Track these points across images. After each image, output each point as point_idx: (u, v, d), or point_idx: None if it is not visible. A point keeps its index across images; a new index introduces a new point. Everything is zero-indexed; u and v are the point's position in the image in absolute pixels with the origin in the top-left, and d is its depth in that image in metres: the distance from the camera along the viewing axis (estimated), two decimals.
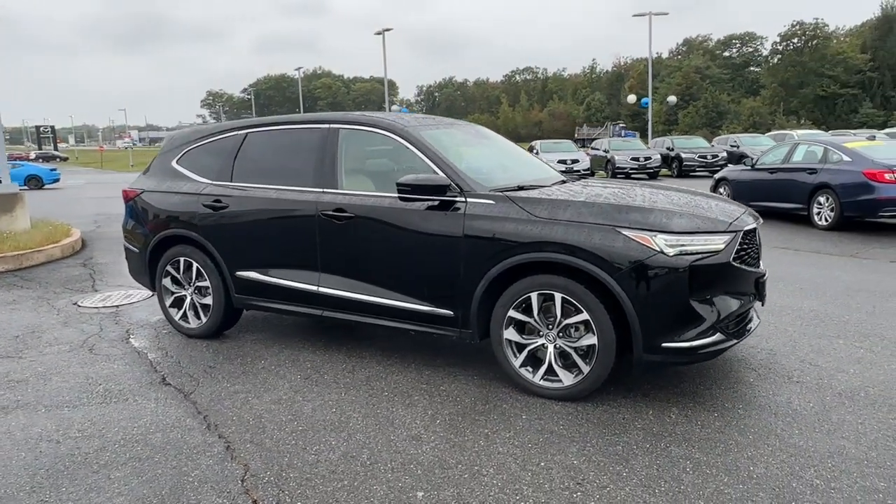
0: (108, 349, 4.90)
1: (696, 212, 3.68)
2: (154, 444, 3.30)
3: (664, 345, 3.45)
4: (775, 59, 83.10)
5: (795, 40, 78.48)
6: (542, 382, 3.75)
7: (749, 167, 11.91)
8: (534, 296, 3.70)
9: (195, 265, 4.97)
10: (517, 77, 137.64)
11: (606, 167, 25.22)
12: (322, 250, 4.39)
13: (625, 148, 25.68)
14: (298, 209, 4.45)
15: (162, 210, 5.12)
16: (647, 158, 24.32)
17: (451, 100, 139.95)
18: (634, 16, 32.50)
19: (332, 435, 3.37)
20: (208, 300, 4.98)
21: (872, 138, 12.16)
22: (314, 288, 4.45)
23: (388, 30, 31.02)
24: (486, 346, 4.07)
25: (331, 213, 4.30)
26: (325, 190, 4.39)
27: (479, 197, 3.91)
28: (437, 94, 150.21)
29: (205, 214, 4.85)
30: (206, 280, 4.94)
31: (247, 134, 4.93)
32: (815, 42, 76.12)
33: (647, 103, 34.63)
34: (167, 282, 5.17)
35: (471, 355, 4.50)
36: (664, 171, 25.16)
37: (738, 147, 25.66)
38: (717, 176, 13.14)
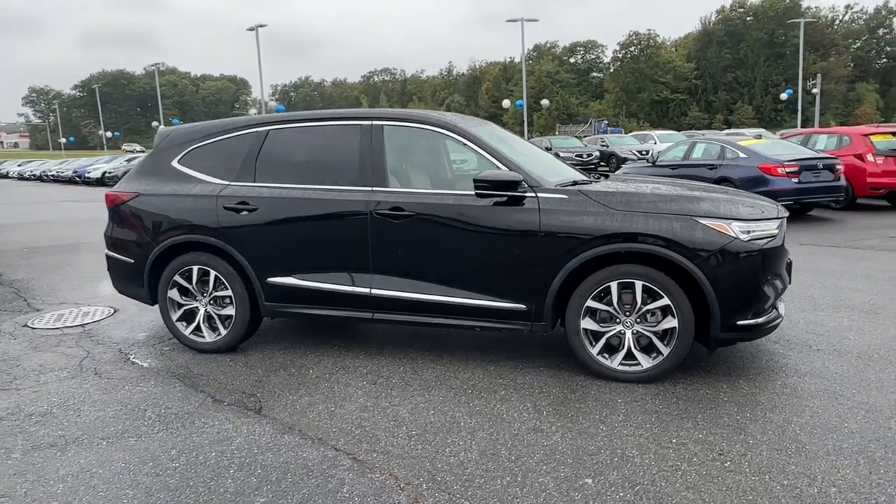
0: (117, 372, 4.38)
1: (750, 201, 4.06)
2: (273, 466, 3.05)
3: (739, 323, 3.78)
4: (615, 66, 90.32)
5: (632, 49, 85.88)
6: (620, 367, 3.94)
7: (650, 164, 12.98)
8: (614, 285, 3.87)
9: (213, 273, 4.58)
10: (376, 78, 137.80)
11: None
12: (375, 251, 4.25)
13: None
14: (347, 209, 4.28)
15: (168, 215, 4.66)
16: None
17: (308, 100, 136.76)
18: (508, 21, 34.03)
19: (452, 436, 3.31)
20: (229, 311, 4.62)
21: (759, 137, 13.76)
22: (365, 290, 4.30)
23: (261, 26, 29.76)
24: (527, 338, 4.18)
25: (386, 211, 4.18)
26: (374, 188, 4.26)
27: (550, 192, 4.01)
28: (293, 93, 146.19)
29: (227, 218, 4.49)
30: (226, 289, 4.58)
31: (268, 132, 4.62)
32: (648, 51, 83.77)
33: (521, 105, 36.30)
34: (174, 294, 4.71)
35: (520, 348, 4.59)
36: None
37: (607, 147, 27.71)
38: (618, 173, 14.17)
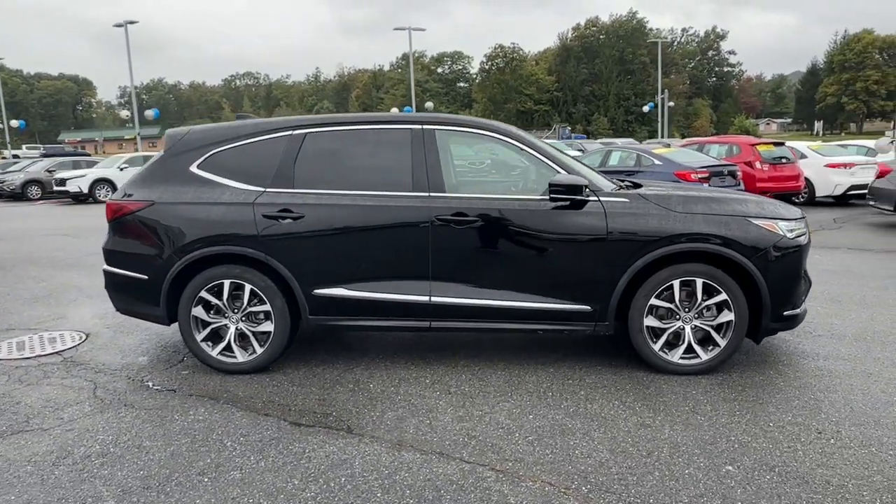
0: (148, 401, 3.91)
1: (777, 203, 4.46)
2: (419, 485, 2.90)
3: (785, 313, 4.14)
4: (482, 77, 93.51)
5: (498, 61, 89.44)
6: (680, 361, 4.16)
7: None
8: (676, 283, 4.09)
9: (248, 287, 4.24)
10: (238, 82, 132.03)
11: None
12: (435, 258, 4.16)
13: None
14: (406, 215, 4.15)
15: (193, 225, 4.24)
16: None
17: (163, 103, 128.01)
18: (395, 29, 34.12)
19: (569, 438, 3.34)
20: (266, 326, 4.29)
21: (668, 146, 14.91)
22: (424, 299, 4.19)
23: (132, 22, 27.33)
24: (566, 339, 4.31)
25: (449, 217, 4.11)
26: (432, 194, 4.17)
27: (612, 196, 4.16)
28: (144, 96, 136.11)
29: (267, 227, 4.18)
30: (264, 303, 4.25)
31: (305, 135, 4.36)
32: (513, 64, 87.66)
33: (409, 112, 36.53)
34: (199, 311, 4.30)
35: (565, 349, 4.68)
36: None
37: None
38: None
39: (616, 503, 2.74)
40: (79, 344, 5.10)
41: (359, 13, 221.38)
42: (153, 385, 4.20)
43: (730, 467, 3.02)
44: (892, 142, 13.28)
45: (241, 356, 4.33)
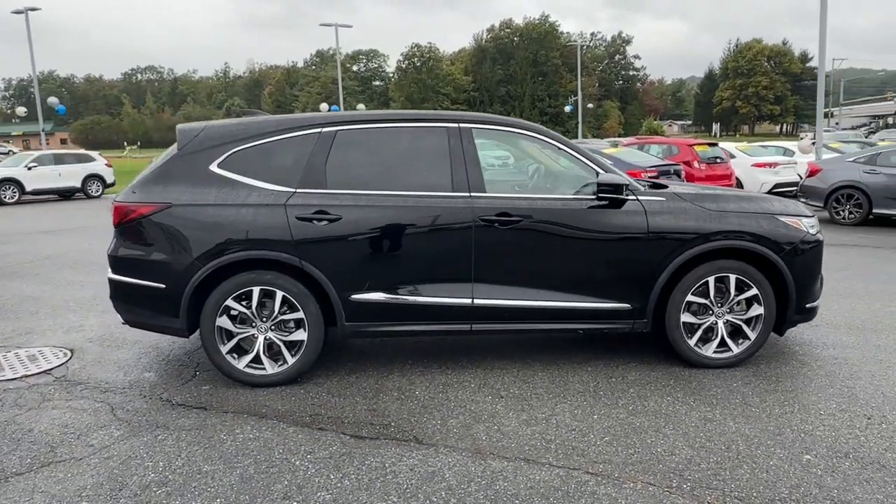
0: (182, 420, 3.60)
1: (797, 202, 4.67)
2: (524, 495, 2.81)
3: (806, 306, 4.35)
4: (399, 76, 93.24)
5: (415, 60, 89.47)
6: (713, 355, 4.28)
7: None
8: (711, 279, 4.20)
9: (279, 294, 3.98)
10: (139, 76, 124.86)
11: None
12: (478, 259, 4.07)
13: None
14: (448, 216, 4.03)
15: (218, 228, 3.93)
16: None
17: (58, 97, 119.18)
18: (322, 25, 33.26)
19: (644, 436, 3.35)
20: (299, 335, 4.05)
21: (616, 145, 15.35)
22: (467, 301, 4.09)
23: (33, 9, 24.84)
24: (589, 338, 4.38)
25: (493, 217, 4.03)
26: (473, 194, 4.08)
27: (649, 195, 4.22)
28: (31, 89, 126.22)
29: (302, 230, 3.94)
30: (297, 311, 4.01)
31: (336, 132, 4.14)
32: (430, 63, 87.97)
33: (336, 110, 35.75)
34: (224, 321, 4.00)
35: (594, 348, 4.71)
36: None
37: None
38: None
39: (724, 499, 2.77)
40: (66, 361, 4.63)
41: (264, 9, 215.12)
42: (176, 402, 3.87)
43: (808, 456, 3.13)
44: (813, 143, 14.33)
45: (270, 368, 4.06)
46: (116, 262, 4.08)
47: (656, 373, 4.23)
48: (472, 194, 4.08)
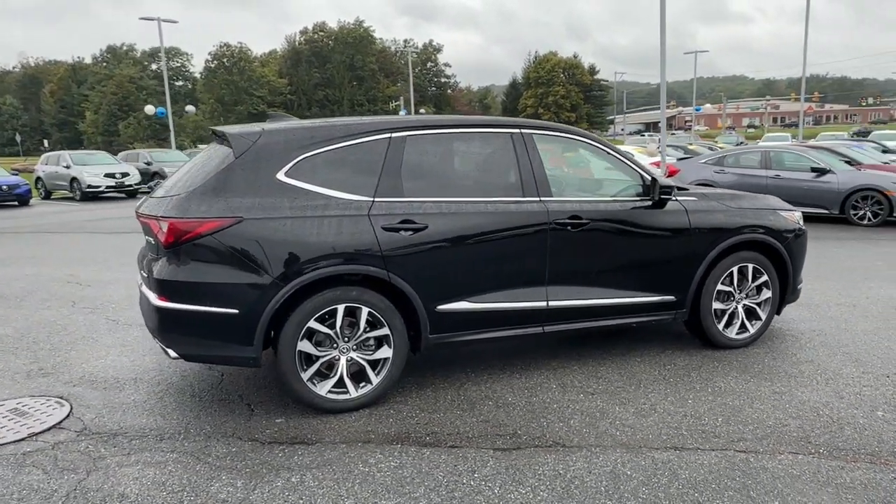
0: (299, 460, 3.23)
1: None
2: (706, 478, 2.98)
3: (798, 287, 5.06)
4: (207, 76, 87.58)
5: (225, 60, 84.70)
6: (736, 336, 4.80)
7: None
8: (735, 269, 4.71)
9: (364, 310, 3.73)
10: None
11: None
12: (552, 262, 4.15)
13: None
14: (527, 221, 4.06)
15: (300, 243, 3.57)
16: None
17: None
18: (142, 19, 29.83)
19: (763, 410, 3.69)
20: (383, 353, 3.82)
21: None
22: (542, 304, 4.16)
23: None
24: (620, 331, 4.76)
25: (565, 220, 4.15)
26: (543, 198, 4.16)
27: (684, 195, 4.61)
28: None
29: (389, 240, 3.72)
30: (382, 327, 3.78)
31: (406, 137, 3.96)
32: (242, 64, 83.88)
33: (163, 113, 32.35)
34: (305, 345, 3.65)
35: (627, 340, 5.01)
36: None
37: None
38: None
39: (856, 456, 3.18)
40: (69, 411, 3.86)
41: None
42: (265, 441, 3.45)
43: (880, 412, 3.69)
44: (658, 147, 16.22)
45: (353, 391, 3.78)
46: (172, 288, 3.51)
47: (696, 358, 4.63)
48: (543, 199, 4.16)
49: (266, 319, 3.53)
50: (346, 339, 3.75)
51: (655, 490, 2.90)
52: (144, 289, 3.84)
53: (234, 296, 3.51)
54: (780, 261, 4.85)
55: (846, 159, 12.63)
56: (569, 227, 4.17)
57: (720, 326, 4.74)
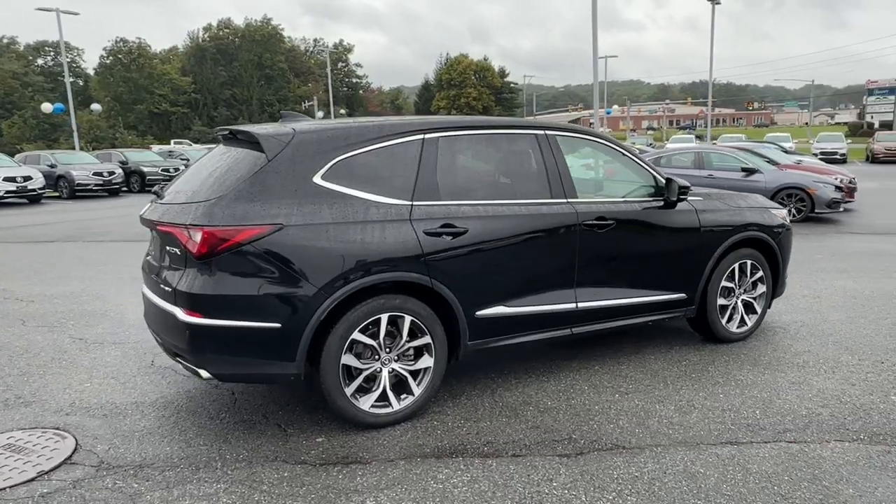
0: (362, 481, 3.05)
1: None
2: (775, 469, 3.06)
3: (786, 279, 5.34)
4: (103, 73, 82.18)
5: (122, 56, 79.80)
6: (736, 330, 4.99)
7: None
8: (737, 266, 4.90)
9: (407, 319, 3.57)
10: None
11: (58, 185, 21.47)
12: (580, 263, 4.15)
13: (79, 161, 22.34)
14: (559, 223, 4.04)
15: (344, 250, 3.36)
16: (110, 173, 21.98)
17: None
18: (38, 10, 27.23)
19: (791, 400, 3.83)
20: (424, 363, 3.68)
21: None
22: (572, 306, 4.15)
23: None
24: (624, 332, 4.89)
25: (592, 222, 4.16)
26: (569, 200, 4.15)
27: (692, 195, 4.74)
28: None
29: (431, 245, 3.59)
30: (423, 335, 3.64)
31: (439, 139, 3.82)
32: (141, 60, 79.31)
33: (61, 110, 29.79)
34: (349, 358, 3.45)
35: (636, 339, 5.09)
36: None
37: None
38: None
39: (892, 435, 3.37)
40: (76, 445, 3.46)
41: None
42: (316, 463, 3.22)
43: (893, 397, 3.94)
44: None
45: (396, 404, 3.62)
46: (206, 303, 3.20)
47: (705, 353, 4.78)
48: (570, 200, 4.15)
49: (310, 333, 3.31)
50: (387, 349, 3.58)
51: (736, 486, 2.94)
52: (161, 302, 3.49)
53: (275, 309, 3.26)
54: (773, 256, 5.10)
55: (767, 160, 13.52)
56: (595, 229, 4.18)
57: (724, 321, 4.92)
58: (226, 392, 4.15)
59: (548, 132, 4.25)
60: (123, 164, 23.69)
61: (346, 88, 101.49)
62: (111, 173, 21.93)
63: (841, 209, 12.17)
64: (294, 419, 3.74)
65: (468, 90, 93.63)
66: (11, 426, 3.71)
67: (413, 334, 3.63)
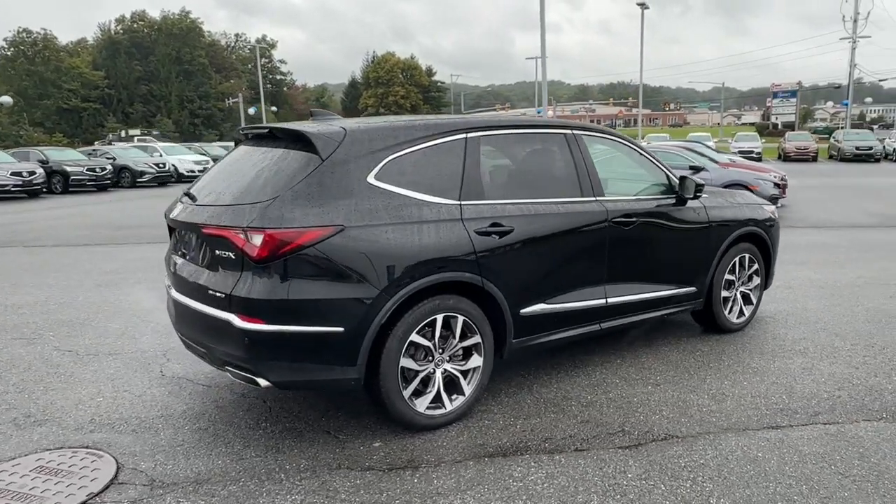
0: (437, 485, 3.02)
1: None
2: (824, 451, 3.26)
3: (774, 270, 5.66)
4: (1, 66, 76.55)
5: (25, 48, 74.65)
6: (736, 321, 5.25)
7: None
8: (737, 259, 5.16)
9: (460, 319, 3.57)
10: None
11: None
12: (610, 259, 4.26)
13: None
14: (592, 220, 4.13)
15: (403, 251, 3.31)
16: (31, 173, 20.56)
17: None
18: None
19: (810, 385, 4.07)
20: (474, 362, 3.68)
21: None
22: (602, 301, 4.25)
23: None
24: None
25: (621, 219, 4.28)
26: (597, 198, 4.25)
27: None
28: None
29: (482, 245, 3.59)
30: (474, 335, 3.65)
31: (480, 138, 3.82)
32: (46, 53, 74.44)
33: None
34: (407, 361, 3.41)
35: (645, 335, 5.25)
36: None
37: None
38: None
39: None
40: (118, 463, 3.25)
41: None
42: (383, 468, 3.17)
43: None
44: None
45: (448, 405, 3.60)
46: (268, 309, 3.07)
47: (711, 344, 5.00)
48: (598, 198, 4.24)
49: (372, 335, 3.24)
50: (440, 350, 3.56)
51: (797, 467, 3.11)
52: (208, 309, 3.30)
53: (338, 312, 3.17)
54: (766, 250, 5.40)
55: (708, 158, 14.22)
56: (622, 226, 4.30)
57: (726, 312, 5.17)
58: (256, 401, 4.00)
59: (574, 132, 4.33)
60: (44, 163, 22.21)
61: (270, 85, 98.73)
62: (31, 173, 20.53)
63: (779, 205, 12.96)
64: (341, 425, 3.65)
65: (396, 88, 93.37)
66: (33, 447, 3.44)
67: (463, 334, 3.62)
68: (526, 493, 2.91)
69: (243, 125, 57.78)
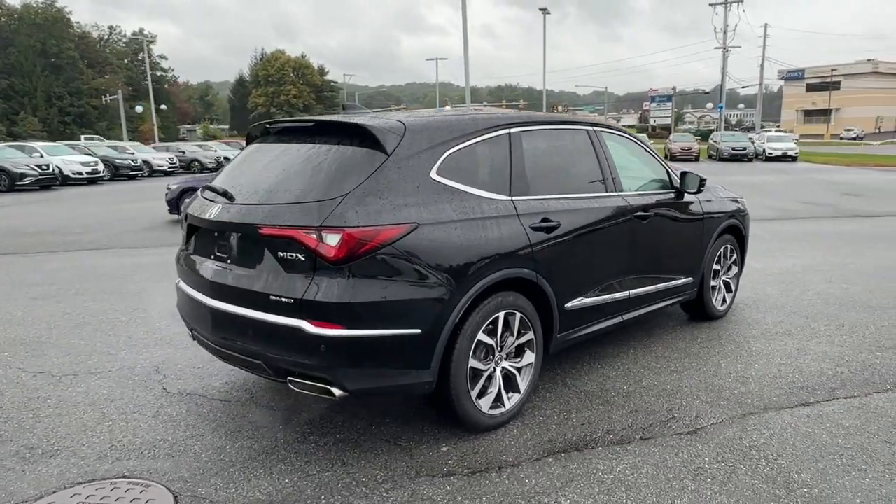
0: (531, 483, 2.97)
1: None
2: (857, 424, 3.52)
3: (746, 258, 6.06)
4: None
5: None
6: (721, 308, 5.57)
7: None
8: (721, 250, 5.47)
9: (518, 316, 3.53)
10: None
11: None
12: (631, 252, 4.38)
13: None
14: (620, 214, 4.23)
15: (471, 249, 3.22)
16: None
17: None
18: None
19: (810, 363, 4.38)
20: (528, 359, 3.66)
21: None
22: (626, 294, 4.36)
23: None
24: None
25: (640, 213, 4.41)
26: (620, 193, 4.35)
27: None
28: None
29: (537, 240, 3.57)
30: (528, 331, 3.62)
31: (521, 133, 3.80)
32: None
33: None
34: (474, 361, 3.33)
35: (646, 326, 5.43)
36: None
37: None
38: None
39: None
40: (173, 493, 2.92)
41: None
42: (463, 472, 3.07)
43: (880, 353, 4.68)
44: None
45: (508, 403, 3.56)
46: (347, 313, 2.87)
47: (704, 331, 5.27)
48: (619, 192, 4.35)
49: (446, 336, 3.13)
50: (500, 348, 3.50)
51: (848, 438, 3.34)
52: (268, 316, 3.02)
53: (416, 313, 3.04)
54: (742, 240, 5.77)
55: None
56: (641, 219, 4.43)
57: (718, 300, 5.47)
58: (291, 413, 3.75)
59: (595, 128, 4.41)
60: None
61: (151, 82, 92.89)
62: None
63: None
64: (396, 433, 3.49)
65: (288, 87, 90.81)
66: (59, 482, 3.01)
67: (518, 331, 3.58)
68: (623, 485, 2.93)
69: (124, 124, 53.77)
